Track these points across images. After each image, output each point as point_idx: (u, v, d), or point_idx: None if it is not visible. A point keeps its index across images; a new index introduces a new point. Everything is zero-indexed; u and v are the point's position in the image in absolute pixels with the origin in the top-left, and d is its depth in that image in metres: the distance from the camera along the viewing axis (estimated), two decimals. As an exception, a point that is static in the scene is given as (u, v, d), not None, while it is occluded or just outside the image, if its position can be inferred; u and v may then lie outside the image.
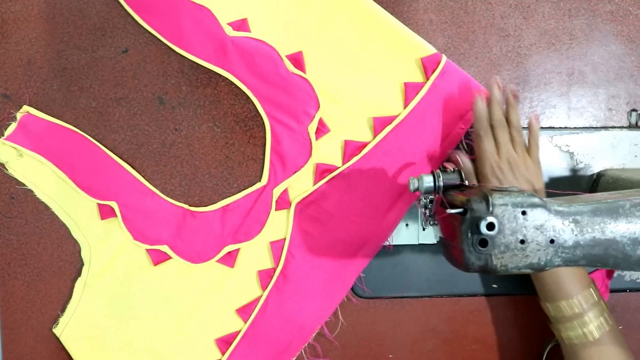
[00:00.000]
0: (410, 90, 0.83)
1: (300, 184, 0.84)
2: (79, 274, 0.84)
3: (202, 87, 0.84)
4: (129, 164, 0.83)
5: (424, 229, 0.84)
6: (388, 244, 0.85)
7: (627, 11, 0.87)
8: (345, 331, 0.87)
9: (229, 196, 0.84)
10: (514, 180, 0.74)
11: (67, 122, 0.82)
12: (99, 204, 0.82)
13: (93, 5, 0.83)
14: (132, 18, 0.82)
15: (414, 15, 0.84)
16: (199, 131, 0.84)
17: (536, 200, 0.60)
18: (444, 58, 0.82)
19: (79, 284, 0.83)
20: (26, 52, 0.82)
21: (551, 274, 0.73)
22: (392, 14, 0.82)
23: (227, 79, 0.83)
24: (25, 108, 0.82)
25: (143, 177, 0.84)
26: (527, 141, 0.78)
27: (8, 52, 0.82)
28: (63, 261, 0.84)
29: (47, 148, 0.82)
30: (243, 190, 0.84)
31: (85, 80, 0.83)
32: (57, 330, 0.83)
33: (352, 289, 0.86)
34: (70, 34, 0.83)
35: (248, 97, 0.83)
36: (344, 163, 0.84)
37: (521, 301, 0.89)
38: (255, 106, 0.83)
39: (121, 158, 0.83)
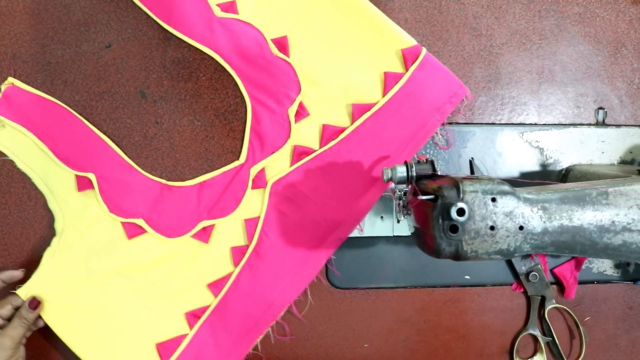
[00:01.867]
0: (389, 79, 0.81)
1: (278, 165, 0.82)
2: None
3: (183, 81, 0.81)
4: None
5: (398, 221, 0.82)
6: (360, 228, 0.83)
7: (594, 13, 0.86)
8: (322, 321, 0.85)
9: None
10: None
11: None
12: (76, 176, 0.79)
13: (77, 1, 0.80)
14: (116, 14, 0.80)
15: (390, 13, 0.82)
16: (180, 124, 0.82)
17: (506, 187, 0.59)
18: (424, 50, 0.80)
19: (47, 253, 0.79)
20: (11, 47, 0.79)
21: None
22: (369, 11, 0.81)
23: (207, 73, 0.81)
24: (10, 80, 0.79)
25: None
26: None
27: (-7, 46, 0.79)
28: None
29: (30, 119, 0.78)
30: (221, 167, 0.82)
31: (69, 74, 0.80)
32: (21, 292, 0.78)
33: (328, 279, 0.84)
34: (55, 29, 0.80)
35: (228, 92, 0.81)
36: (321, 147, 0.82)
37: (493, 291, 0.87)
38: (234, 100, 0.81)
39: (103, 150, 0.80)
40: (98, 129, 0.80)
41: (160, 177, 0.81)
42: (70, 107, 0.80)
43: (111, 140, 0.81)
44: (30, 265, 0.80)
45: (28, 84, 0.79)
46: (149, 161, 0.81)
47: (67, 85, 0.80)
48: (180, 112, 0.82)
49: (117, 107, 0.81)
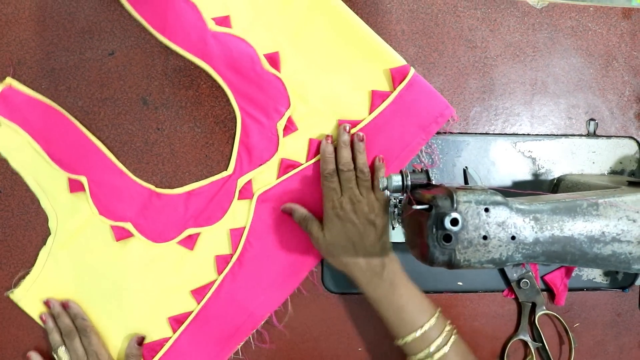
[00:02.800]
0: (376, 98, 0.81)
1: (264, 177, 0.82)
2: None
3: (184, 89, 0.81)
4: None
5: (393, 228, 0.82)
6: None
7: (586, 27, 0.86)
8: (317, 325, 0.84)
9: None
10: (355, 218, 0.74)
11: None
12: (69, 178, 0.79)
13: (82, 9, 0.80)
14: (119, 22, 0.79)
15: (387, 25, 0.82)
16: (180, 131, 0.81)
17: (499, 198, 0.58)
18: (412, 70, 0.80)
19: (43, 252, 0.80)
20: (16, 53, 0.79)
21: (395, 310, 0.73)
22: (366, 23, 0.80)
23: (208, 81, 0.80)
24: (8, 80, 0.78)
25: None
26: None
27: (-1, 52, 0.79)
28: (47, 254, 0.80)
29: (25, 120, 0.78)
30: (209, 177, 0.82)
31: (73, 80, 0.80)
32: (17, 293, 0.80)
33: (323, 284, 0.84)
34: (60, 36, 0.80)
35: (228, 100, 0.80)
36: (307, 160, 0.82)
37: (485, 298, 0.86)
38: (231, 104, 0.81)
39: (105, 155, 0.80)
40: (100, 135, 0.80)
41: (161, 183, 0.81)
42: (73, 113, 0.79)
43: (113, 145, 0.80)
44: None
45: (33, 89, 0.79)
46: (150, 167, 0.81)
47: (70, 91, 0.80)
48: (181, 119, 0.81)
49: (119, 113, 0.80)
